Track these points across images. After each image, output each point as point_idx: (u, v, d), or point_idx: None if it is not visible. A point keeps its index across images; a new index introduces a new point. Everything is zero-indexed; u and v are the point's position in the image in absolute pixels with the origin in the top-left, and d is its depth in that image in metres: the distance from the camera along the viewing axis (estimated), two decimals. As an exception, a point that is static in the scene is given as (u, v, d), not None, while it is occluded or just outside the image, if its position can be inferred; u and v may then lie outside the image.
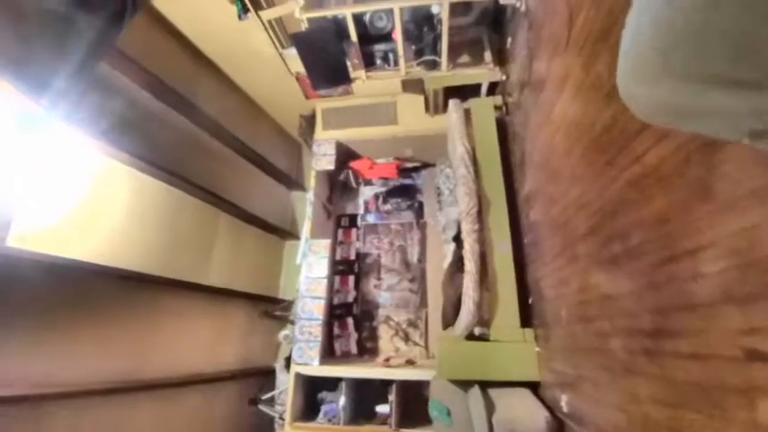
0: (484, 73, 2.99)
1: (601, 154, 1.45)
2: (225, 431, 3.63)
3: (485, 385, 2.41)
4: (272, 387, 3.87)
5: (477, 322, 2.51)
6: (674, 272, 1.04)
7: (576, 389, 1.81)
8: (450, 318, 2.92)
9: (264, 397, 3.68)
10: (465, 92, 3.29)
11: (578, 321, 1.73)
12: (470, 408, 2.29)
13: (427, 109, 3.59)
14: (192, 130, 3.46)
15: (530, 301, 2.44)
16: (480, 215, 2.65)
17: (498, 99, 3.08)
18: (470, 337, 2.74)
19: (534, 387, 2.35)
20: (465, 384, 2.47)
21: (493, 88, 3.27)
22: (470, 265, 2.54)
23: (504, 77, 2.95)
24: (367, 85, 3.66)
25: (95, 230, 2.54)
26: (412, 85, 3.37)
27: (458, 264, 2.87)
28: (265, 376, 4.01)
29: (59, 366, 2.29)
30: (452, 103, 3.12)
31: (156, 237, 3.02)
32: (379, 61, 2.88)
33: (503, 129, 2.99)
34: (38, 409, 2.16)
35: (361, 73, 2.89)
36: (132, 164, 2.85)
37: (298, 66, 3.41)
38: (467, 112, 3.08)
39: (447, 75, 2.93)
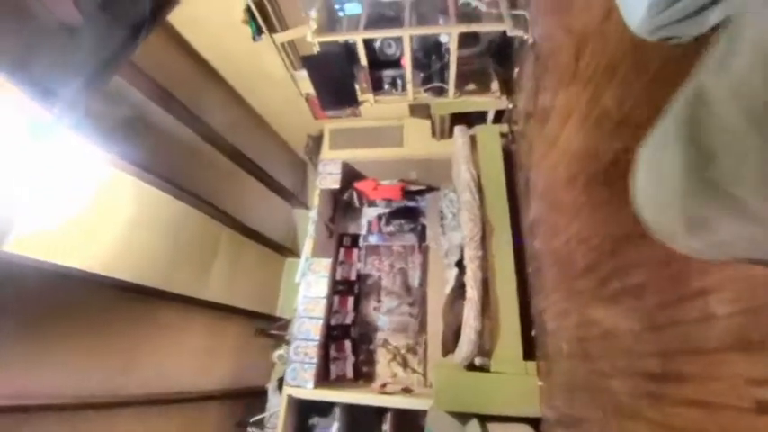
0: (490, 101, 3.03)
1: (604, 188, 1.44)
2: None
3: (483, 419, 2.32)
4: (262, 409, 3.75)
5: (477, 352, 2.45)
6: (677, 314, 1.00)
7: (578, 429, 1.73)
8: (450, 345, 2.85)
9: (253, 419, 3.56)
10: (471, 119, 3.33)
11: (579, 357, 1.68)
12: (467, 443, 2.20)
13: (433, 134, 3.62)
14: (199, 145, 3.50)
15: (533, 332, 2.38)
16: (484, 242, 2.62)
17: (504, 127, 3.11)
18: (470, 366, 2.66)
19: (535, 423, 2.26)
20: (463, 417, 2.38)
21: (499, 116, 3.30)
22: (472, 293, 2.50)
23: (510, 106, 2.99)
24: (375, 109, 3.72)
25: (97, 239, 2.53)
26: (419, 110, 3.42)
27: (459, 290, 2.82)
28: (256, 397, 3.90)
29: (41, 377, 2.24)
30: (458, 129, 3.15)
31: (157, 248, 3.01)
32: (387, 86, 2.93)
33: (508, 156, 3.00)
34: (14, 420, 2.09)
35: (370, 96, 2.94)
36: (138, 175, 2.88)
37: (308, 87, 3.49)
38: (472, 139, 3.10)
39: (454, 101, 2.97)
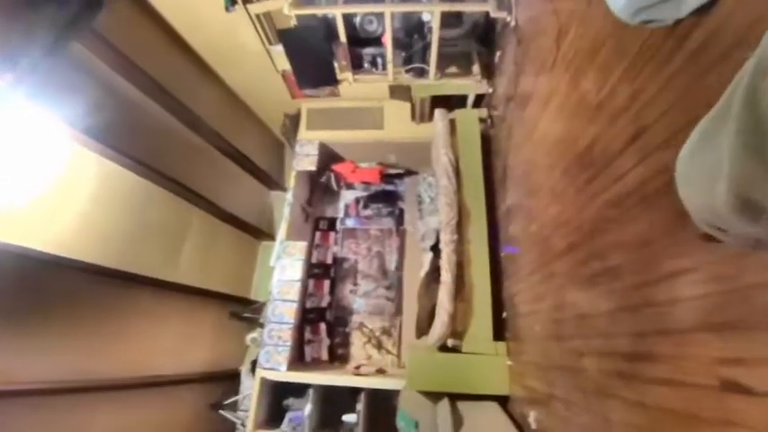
0: (471, 84, 3.01)
1: (582, 171, 1.45)
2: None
3: (454, 398, 2.38)
4: (237, 391, 3.72)
5: (450, 334, 2.49)
6: (652, 294, 1.03)
7: (546, 407, 1.80)
8: (424, 327, 2.88)
9: (227, 402, 3.52)
10: (451, 102, 3.30)
11: (552, 338, 1.72)
12: (438, 423, 2.24)
13: (413, 117, 3.58)
14: (168, 121, 3.32)
15: (504, 315, 2.44)
16: (460, 226, 2.64)
17: (484, 112, 3.10)
18: (443, 348, 2.71)
19: (504, 401, 2.33)
20: (435, 396, 2.43)
21: (479, 100, 3.29)
22: (447, 276, 2.52)
23: (490, 90, 2.97)
24: (354, 89, 3.62)
25: (59, 219, 2.38)
26: (399, 92, 3.35)
27: (434, 274, 2.84)
28: (231, 380, 3.86)
29: (9, 363, 2.11)
30: (438, 112, 3.12)
31: (123, 229, 2.86)
32: (367, 65, 2.85)
33: (486, 142, 3.00)
34: None
35: (348, 75, 2.85)
36: (102, 152, 2.70)
37: (284, 63, 3.35)
38: (452, 123, 3.08)
39: (435, 84, 2.93)
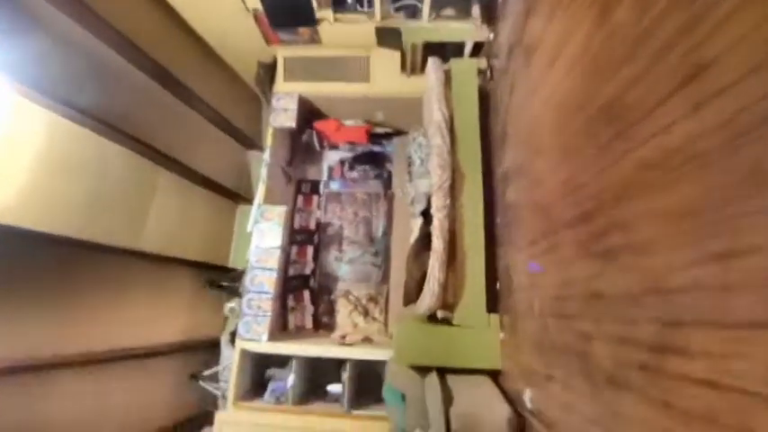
0: (469, 29, 2.65)
1: (606, 127, 1.20)
2: (168, 408, 3.33)
3: (443, 371, 2.26)
4: (217, 361, 3.59)
5: (440, 305, 2.33)
6: (699, 278, 0.82)
7: (544, 387, 1.67)
8: (412, 295, 2.72)
9: (207, 373, 3.40)
10: (447, 52, 2.94)
11: (554, 316, 1.56)
12: (426, 398, 2.13)
13: (403, 67, 3.21)
14: (130, 73, 2.89)
15: (497, 285, 2.27)
16: (453, 190, 2.40)
17: (483, 62, 2.77)
18: (432, 318, 2.57)
19: (495, 375, 2.23)
20: (423, 369, 2.31)
21: (477, 50, 2.95)
22: (438, 243, 2.31)
23: (491, 36, 2.63)
24: (337, 34, 3.22)
25: (2, 183, 2.04)
26: (388, 37, 2.96)
27: (424, 240, 2.64)
28: (211, 349, 3.71)
29: None
30: (431, 61, 2.77)
31: (76, 193, 2.53)
32: (350, 1, 2.45)
33: (484, 97, 2.70)
34: None
35: (329, 13, 2.47)
36: (49, 106, 2.32)
37: (255, 1, 2.90)
38: (447, 75, 2.75)
39: (428, 27, 2.57)
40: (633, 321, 1.04)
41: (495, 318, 2.25)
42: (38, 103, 2.28)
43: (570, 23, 1.51)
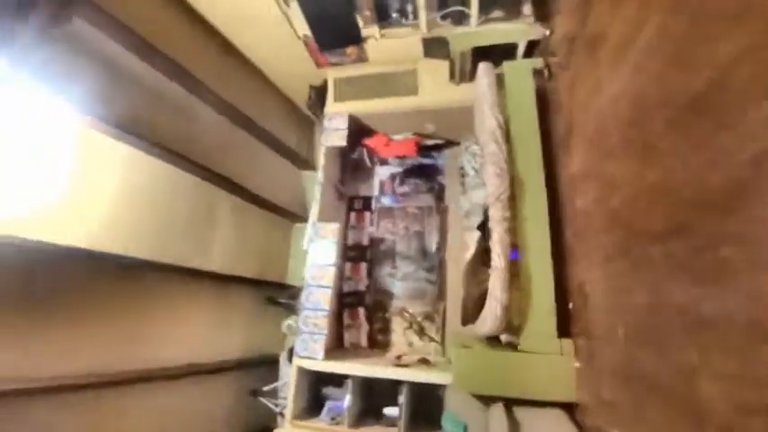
0: (522, 28, 2.49)
1: (702, 119, 0.99)
2: (228, 424, 3.44)
3: (510, 402, 2.04)
4: (276, 377, 3.65)
5: (504, 328, 2.12)
6: None
7: (630, 427, 1.41)
8: (470, 315, 2.55)
9: (266, 388, 3.46)
10: (497, 55, 2.79)
11: (644, 345, 1.31)
12: (491, 429, 1.93)
13: (452, 76, 3.10)
14: (190, 103, 3.13)
15: (570, 306, 2.02)
16: (512, 200, 2.21)
17: (538, 61, 2.57)
18: (494, 340, 2.37)
19: (569, 408, 1.96)
20: (487, 399, 2.11)
21: (531, 50, 2.76)
22: (499, 260, 2.12)
23: (547, 33, 2.43)
24: (383, 50, 3.22)
25: (75, 210, 2.27)
26: (435, 48, 2.89)
27: (482, 256, 2.47)
28: (270, 365, 3.79)
29: (40, 359, 2.07)
30: (482, 66, 2.63)
31: (147, 218, 2.75)
32: (395, 14, 2.43)
33: (543, 97, 2.49)
34: (16, 405, 1.95)
35: (374, 30, 2.46)
36: (119, 137, 2.56)
37: (305, 27, 3.00)
38: (499, 79, 2.59)
39: (476, 31, 2.44)
40: (755, 355, 0.81)
41: (568, 343, 2.00)
42: (111, 136, 2.50)
43: (643, 7, 1.31)
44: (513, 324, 2.11)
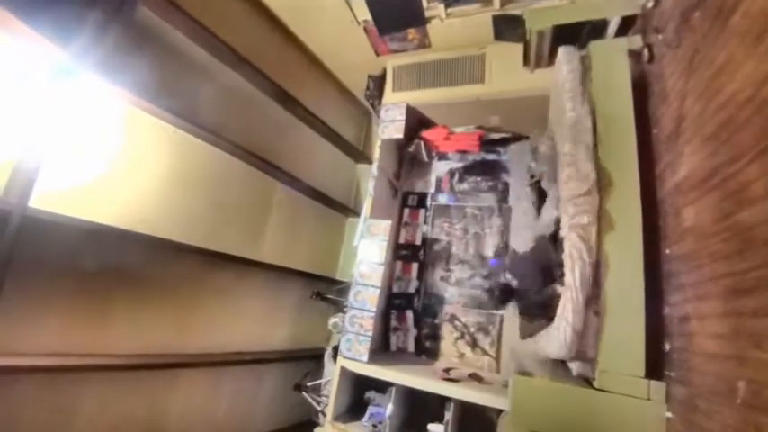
0: (615, 1, 2.06)
1: None
2: (270, 414, 3.47)
3: (578, 446, 1.72)
4: (321, 374, 3.60)
5: (576, 356, 1.79)
6: None
7: None
8: (530, 329, 2.24)
9: (310, 384, 3.42)
10: (582, 36, 2.38)
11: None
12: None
13: (526, 61, 2.73)
14: (246, 90, 3.13)
15: (666, 347, 1.63)
16: (594, 207, 1.84)
17: (636, 40, 2.13)
18: (561, 367, 2.04)
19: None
20: (549, 437, 1.81)
21: (626, 27, 2.31)
22: (572, 277, 1.79)
23: (650, 5, 1.99)
24: (449, 33, 2.95)
25: (135, 195, 2.36)
26: (508, 28, 2.55)
27: (555, 269, 2.13)
28: (315, 360, 3.76)
29: (90, 337, 2.18)
30: (563, 50, 2.26)
31: (201, 205, 2.80)
32: (463, -11, 2.15)
33: (638, 85, 2.06)
34: (68, 380, 2.07)
35: (439, 8, 2.21)
36: (178, 124, 2.61)
37: (365, 12, 2.84)
38: (584, 62, 2.20)
39: (558, 6, 2.08)
40: None
41: (658, 387, 1.62)
42: (167, 122, 2.54)
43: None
44: (586, 354, 1.77)
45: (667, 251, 1.69)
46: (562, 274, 1.86)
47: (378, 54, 3.47)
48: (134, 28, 2.23)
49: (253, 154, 3.11)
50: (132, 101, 2.28)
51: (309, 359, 3.82)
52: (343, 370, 2.97)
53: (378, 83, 3.67)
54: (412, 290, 3.67)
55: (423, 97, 3.36)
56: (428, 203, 3.87)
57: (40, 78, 1.91)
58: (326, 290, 3.96)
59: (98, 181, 2.13)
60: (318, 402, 3.36)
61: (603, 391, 1.69)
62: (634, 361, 1.65)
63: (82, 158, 2.08)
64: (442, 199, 3.85)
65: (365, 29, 3.17)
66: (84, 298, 2.14)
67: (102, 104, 2.19)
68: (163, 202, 2.49)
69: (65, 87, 1.94)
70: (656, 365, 1.65)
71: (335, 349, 3.23)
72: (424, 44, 3.19)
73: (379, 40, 3.24)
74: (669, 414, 1.58)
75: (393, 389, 2.86)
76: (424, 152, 3.68)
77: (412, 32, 2.94)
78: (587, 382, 1.80)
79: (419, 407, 3.01)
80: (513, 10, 2.23)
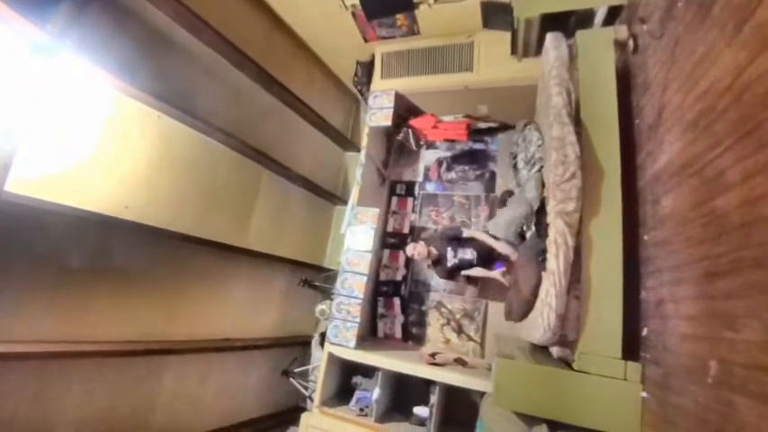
0: (604, -10, 2.08)
1: None
2: (258, 399, 3.49)
3: (556, 426, 1.78)
4: (308, 360, 3.63)
5: (557, 341, 1.84)
6: None
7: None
8: (515, 314, 2.28)
9: (298, 370, 3.44)
10: (569, 24, 2.39)
11: (747, 394, 1.01)
12: (533, 454, 1.70)
13: (514, 50, 2.73)
14: (232, 75, 3.06)
15: (643, 331, 1.69)
16: (578, 193, 1.88)
17: (622, 30, 2.15)
18: (542, 351, 2.10)
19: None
20: (528, 418, 1.87)
21: (612, 17, 2.33)
22: (555, 263, 1.82)
23: (637, -6, 2.01)
24: (437, 20, 2.93)
25: (114, 179, 2.29)
26: (496, 16, 2.55)
27: (538, 255, 2.17)
28: (302, 347, 3.79)
29: (75, 324, 2.15)
30: (551, 36, 2.26)
31: (187, 191, 2.75)
32: (452, -26, 2.13)
33: (622, 76, 2.09)
34: (53, 367, 2.04)
35: (428, -7, 2.18)
36: (162, 109, 2.54)
37: (353, -5, 2.79)
38: (571, 51, 2.21)
39: (548, -6, 2.08)
40: None
41: (634, 368, 1.68)
42: (152, 107, 2.48)
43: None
44: (567, 337, 1.82)
45: (645, 237, 1.74)
46: (544, 260, 1.90)
47: (366, 40, 3.42)
48: (114, 6, 2.15)
49: (239, 140, 3.06)
50: (115, 84, 2.21)
51: (297, 345, 3.84)
52: (331, 356, 3.00)
53: (366, 69, 3.63)
54: (399, 278, 3.71)
55: (411, 84, 3.34)
56: (416, 192, 3.88)
57: (16, 58, 1.83)
58: (314, 277, 3.96)
59: (80, 166, 2.07)
60: (306, 388, 3.39)
61: (582, 372, 1.75)
62: (611, 343, 1.71)
63: (63, 142, 2.01)
64: (430, 188, 3.87)
65: (353, 14, 3.12)
66: (68, 285, 2.10)
67: (83, 87, 2.11)
68: (147, 189, 2.44)
69: (43, 67, 1.87)
70: (632, 347, 1.71)
71: (323, 336, 3.26)
72: (412, 31, 3.16)
73: (367, 25, 3.20)
74: (644, 394, 1.64)
75: (380, 373, 2.91)
76: (412, 140, 3.67)
77: (401, 19, 2.91)
78: (567, 364, 1.85)
79: (405, 391, 3.07)
80: (501, -3, 2.23)
